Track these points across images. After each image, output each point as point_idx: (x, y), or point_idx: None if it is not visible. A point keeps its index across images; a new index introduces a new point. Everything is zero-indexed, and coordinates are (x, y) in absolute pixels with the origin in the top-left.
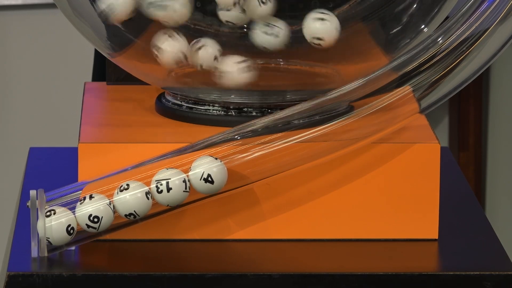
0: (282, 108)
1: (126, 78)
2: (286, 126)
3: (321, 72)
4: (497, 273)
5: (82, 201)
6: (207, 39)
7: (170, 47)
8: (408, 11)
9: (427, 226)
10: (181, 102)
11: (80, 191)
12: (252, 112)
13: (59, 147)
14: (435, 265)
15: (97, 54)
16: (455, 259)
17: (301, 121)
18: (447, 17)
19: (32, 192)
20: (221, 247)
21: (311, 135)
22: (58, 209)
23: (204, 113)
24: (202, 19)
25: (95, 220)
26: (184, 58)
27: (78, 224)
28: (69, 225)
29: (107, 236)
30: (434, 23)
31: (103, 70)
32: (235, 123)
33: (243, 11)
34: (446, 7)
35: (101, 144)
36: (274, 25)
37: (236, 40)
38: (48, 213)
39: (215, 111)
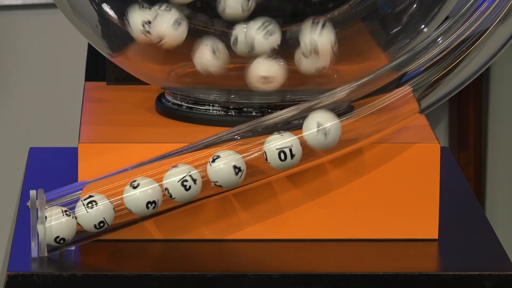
0: (282, 108)
1: (126, 78)
2: (286, 126)
3: (321, 72)
4: (497, 273)
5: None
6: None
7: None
8: (408, 11)
9: (427, 226)
10: (181, 102)
11: (80, 191)
12: (252, 112)
13: (59, 147)
14: (435, 265)
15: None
16: (455, 259)
17: (301, 121)
18: (447, 17)
19: (32, 192)
20: (221, 247)
21: None
22: (58, 209)
23: (204, 113)
24: (203, 19)
25: (101, 225)
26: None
27: (78, 224)
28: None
29: (107, 236)
30: (434, 23)
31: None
32: (235, 123)
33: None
34: (446, 7)
35: (101, 144)
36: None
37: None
38: (48, 213)
39: (215, 111)
